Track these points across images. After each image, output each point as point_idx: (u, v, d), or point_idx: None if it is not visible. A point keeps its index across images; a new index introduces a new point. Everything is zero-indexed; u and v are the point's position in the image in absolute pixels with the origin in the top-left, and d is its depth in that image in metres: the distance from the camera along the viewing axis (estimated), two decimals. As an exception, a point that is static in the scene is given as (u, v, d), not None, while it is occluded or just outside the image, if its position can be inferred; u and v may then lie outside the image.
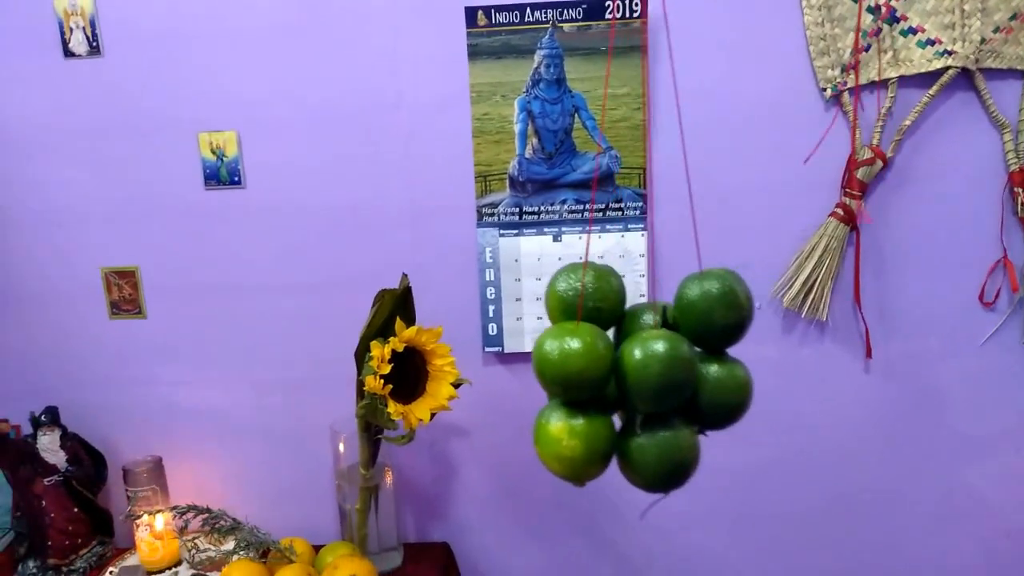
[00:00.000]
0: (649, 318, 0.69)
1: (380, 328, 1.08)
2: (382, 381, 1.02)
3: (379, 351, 1.03)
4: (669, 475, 0.65)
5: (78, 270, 1.27)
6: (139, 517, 1.19)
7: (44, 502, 1.21)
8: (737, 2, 1.14)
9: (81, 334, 1.29)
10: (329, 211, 1.23)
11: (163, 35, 1.18)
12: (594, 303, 0.68)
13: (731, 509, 1.31)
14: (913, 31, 1.12)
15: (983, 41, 1.11)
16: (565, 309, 0.68)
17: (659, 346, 0.62)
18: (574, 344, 0.62)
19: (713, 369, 0.66)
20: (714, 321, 0.66)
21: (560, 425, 0.64)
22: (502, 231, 1.22)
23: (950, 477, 1.28)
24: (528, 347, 1.24)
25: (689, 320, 0.67)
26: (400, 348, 1.04)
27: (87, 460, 1.27)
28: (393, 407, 1.04)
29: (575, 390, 0.63)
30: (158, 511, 1.21)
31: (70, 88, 1.20)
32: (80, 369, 1.30)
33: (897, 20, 1.12)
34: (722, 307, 0.66)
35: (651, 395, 0.62)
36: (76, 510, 1.24)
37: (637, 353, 0.62)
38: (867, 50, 1.13)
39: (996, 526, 1.29)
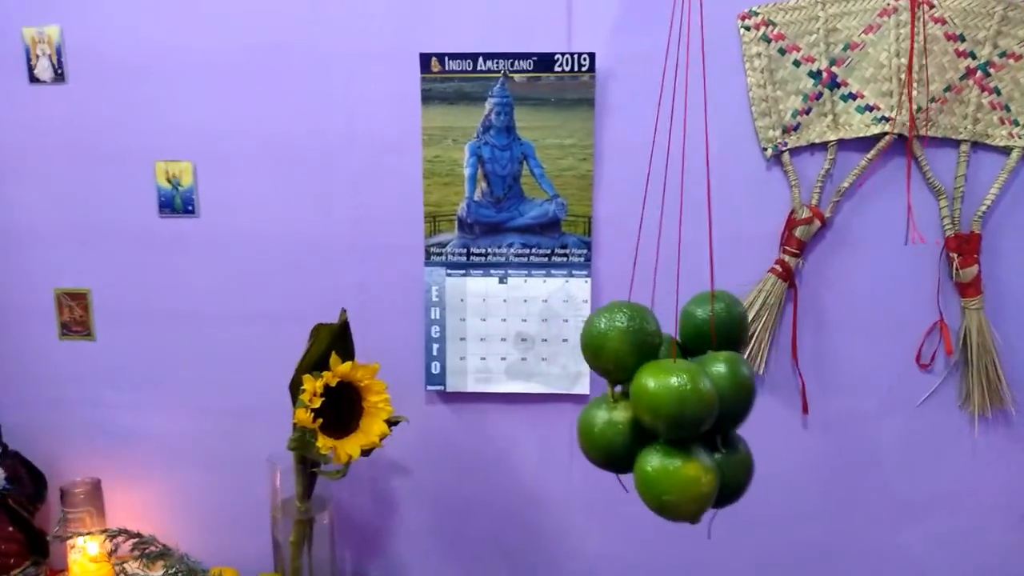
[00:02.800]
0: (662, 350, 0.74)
1: (316, 362, 1.09)
2: (312, 415, 1.03)
3: (311, 385, 1.04)
4: (747, 484, 0.73)
5: (32, 290, 1.29)
6: (68, 538, 1.19)
7: (-22, 520, 1.22)
8: (683, 61, 1.17)
9: (30, 354, 1.30)
10: (280, 244, 1.25)
11: (126, 66, 1.21)
12: (647, 339, 0.71)
13: (667, 558, 1.31)
14: (853, 96, 1.15)
15: (919, 110, 1.14)
16: (637, 350, 0.70)
17: (744, 367, 0.70)
18: (701, 382, 0.65)
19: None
20: (734, 336, 0.77)
21: (696, 465, 0.65)
22: (449, 271, 1.24)
23: (884, 537, 1.28)
24: (471, 387, 1.26)
25: (709, 336, 0.75)
26: (333, 383, 1.05)
27: (27, 479, 1.27)
28: (323, 441, 1.05)
29: (698, 426, 0.66)
30: (89, 533, 1.21)
31: (33, 113, 1.23)
32: (26, 388, 1.31)
33: (838, 85, 1.16)
34: (742, 322, 0.79)
35: (739, 412, 0.70)
36: (11, 529, 1.25)
37: (729, 375, 0.69)
38: (808, 113, 1.16)
39: (930, 588, 1.29)
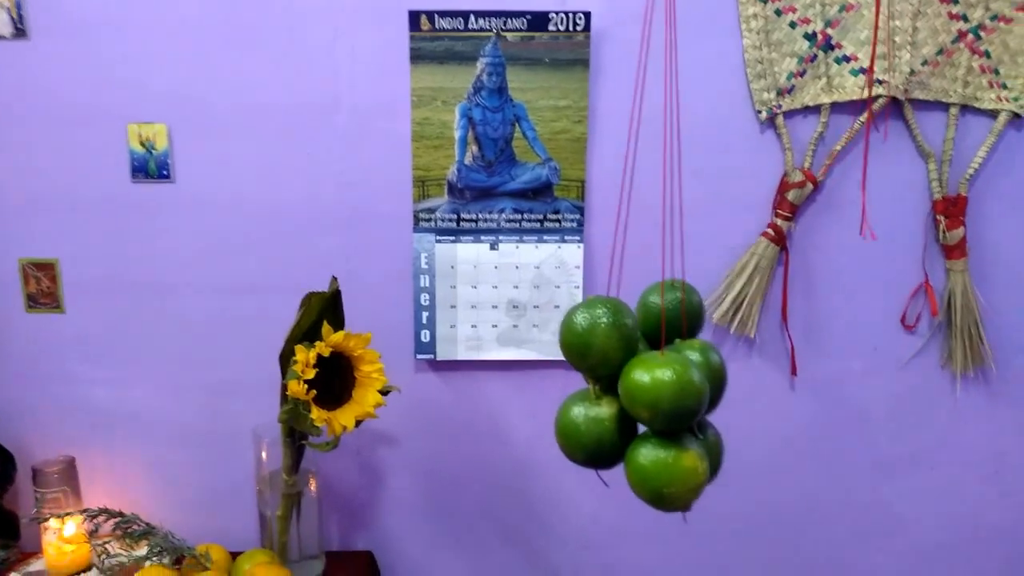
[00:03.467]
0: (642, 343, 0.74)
1: (307, 332, 1.06)
2: (306, 386, 1.00)
3: (304, 355, 1.00)
4: (719, 465, 0.73)
5: (-6, 260, 1.22)
6: (46, 520, 1.14)
7: (-56, 503, 1.15)
8: (679, 22, 1.15)
9: (-6, 327, 1.23)
10: (261, 211, 1.20)
11: (94, 22, 1.14)
12: (631, 333, 0.70)
13: (656, 523, 1.31)
14: (847, 59, 1.15)
15: (912, 73, 1.14)
16: (626, 344, 0.69)
17: (714, 355, 0.72)
18: (693, 377, 0.64)
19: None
20: (692, 324, 0.78)
21: (691, 454, 0.65)
22: (439, 237, 1.21)
23: (871, 493, 1.31)
24: (462, 355, 1.23)
25: (670, 324, 0.75)
26: (326, 353, 1.02)
27: (-6, 459, 1.21)
28: (317, 413, 1.02)
29: (692, 417, 0.65)
30: (67, 514, 1.16)
31: (-9, 71, 1.15)
32: (-9, 364, 1.24)
33: (832, 48, 1.15)
34: (700, 311, 0.78)
35: (715, 400, 0.71)
36: (-21, 511, 1.19)
37: (706, 365, 0.70)
38: (802, 75, 1.16)
39: (914, 540, 1.33)
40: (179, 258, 1.21)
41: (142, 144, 1.17)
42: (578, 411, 0.70)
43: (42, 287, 1.22)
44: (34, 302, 1.23)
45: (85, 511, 1.10)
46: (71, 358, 1.24)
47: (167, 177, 1.19)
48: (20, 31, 1.14)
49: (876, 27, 1.12)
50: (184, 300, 1.23)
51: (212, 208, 1.20)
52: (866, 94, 1.15)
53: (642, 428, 0.69)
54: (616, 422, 0.69)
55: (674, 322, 0.74)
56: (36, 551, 1.24)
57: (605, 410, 0.70)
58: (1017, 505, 1.32)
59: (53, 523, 1.15)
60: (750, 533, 1.32)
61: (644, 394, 0.64)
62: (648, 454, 0.66)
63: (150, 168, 1.18)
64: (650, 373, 0.64)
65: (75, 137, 1.17)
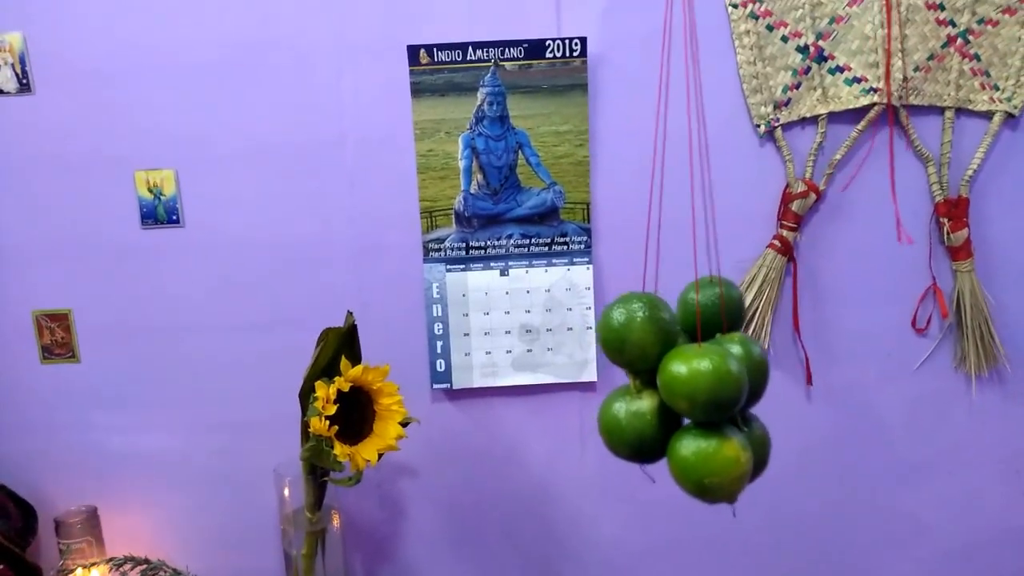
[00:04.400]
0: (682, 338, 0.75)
1: (325, 368, 1.06)
2: (327, 422, 1.00)
3: (324, 391, 1.01)
4: (767, 458, 0.73)
5: (8, 313, 1.22)
6: (72, 571, 1.13)
7: (-33, 559, 1.15)
8: (674, 42, 1.17)
9: (11, 380, 1.23)
10: (272, 249, 1.21)
11: (97, 72, 1.15)
12: (669, 327, 0.71)
13: (682, 543, 1.31)
14: (840, 69, 1.17)
15: (905, 79, 1.16)
16: (664, 338, 0.70)
17: (755, 348, 0.71)
18: (730, 367, 0.65)
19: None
20: (733, 319, 0.77)
21: (734, 444, 0.65)
22: (449, 266, 1.22)
23: (891, 500, 1.31)
24: (477, 382, 1.24)
25: (710, 319, 0.76)
26: (346, 388, 1.02)
27: (15, 513, 1.21)
28: (339, 449, 1.02)
29: (732, 407, 0.66)
30: (93, 564, 1.15)
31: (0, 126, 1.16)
32: (9, 416, 1.24)
33: (825, 59, 1.17)
34: (740, 305, 0.79)
35: (757, 392, 0.71)
36: (2, 567, 1.18)
37: (747, 357, 0.70)
38: (798, 88, 1.17)
39: (935, 548, 1.32)
40: (192, 301, 1.22)
41: (150, 190, 1.19)
42: (619, 406, 0.71)
43: (56, 338, 1.22)
44: (49, 353, 1.23)
45: (111, 560, 1.10)
46: (87, 407, 1.24)
47: (176, 222, 1.20)
48: (24, 86, 1.15)
49: (864, 36, 1.14)
50: (198, 342, 1.23)
51: (222, 249, 1.21)
52: (861, 102, 1.16)
53: (685, 421, 0.70)
54: (657, 415, 0.70)
55: (714, 318, 0.75)
56: (61, 604, 1.23)
57: (646, 404, 0.70)
58: (1041, 503, 1.32)
59: (80, 574, 1.15)
60: (772, 547, 1.32)
61: (682, 385, 0.65)
62: (689, 445, 0.66)
63: (159, 214, 1.19)
64: (687, 364, 0.65)
65: (84, 187, 1.18)
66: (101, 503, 1.23)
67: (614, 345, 0.71)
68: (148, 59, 1.15)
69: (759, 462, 0.71)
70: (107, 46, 1.15)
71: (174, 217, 1.20)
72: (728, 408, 0.65)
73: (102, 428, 1.25)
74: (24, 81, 1.16)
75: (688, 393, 0.65)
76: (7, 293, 1.21)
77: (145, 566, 1.09)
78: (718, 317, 0.75)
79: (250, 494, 1.25)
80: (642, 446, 0.71)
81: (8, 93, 1.16)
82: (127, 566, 1.09)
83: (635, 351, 0.70)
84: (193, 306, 1.22)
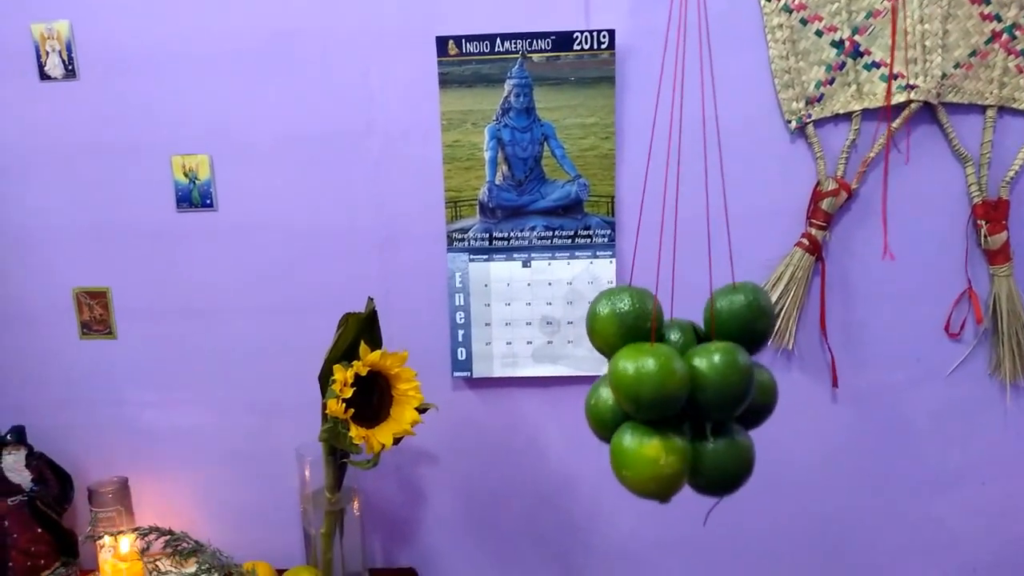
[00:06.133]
0: (675, 335, 0.74)
1: (345, 352, 1.08)
2: (344, 405, 1.03)
3: (342, 375, 1.03)
4: (742, 475, 0.71)
5: (50, 290, 1.27)
6: (100, 538, 1.18)
7: (7, 522, 1.21)
8: (704, 35, 1.16)
9: (51, 354, 1.29)
10: (300, 235, 1.23)
11: (138, 60, 1.19)
12: (637, 323, 0.71)
13: (701, 537, 1.30)
14: (876, 65, 1.14)
15: (944, 76, 1.12)
16: (624, 332, 0.71)
17: (741, 357, 0.67)
18: (668, 365, 0.65)
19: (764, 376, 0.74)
20: (756, 328, 0.73)
21: (655, 444, 0.66)
22: (472, 256, 1.23)
23: (918, 508, 1.28)
24: (497, 372, 1.25)
25: (731, 328, 0.72)
26: (363, 372, 1.04)
27: (53, 480, 1.26)
28: (355, 431, 1.04)
29: (662, 408, 0.66)
30: (120, 532, 1.20)
31: (45, 110, 1.21)
32: (49, 389, 1.30)
33: (861, 55, 1.14)
34: (762, 315, 0.73)
35: (731, 403, 0.67)
36: (40, 531, 1.24)
37: (720, 366, 0.66)
38: (831, 83, 1.15)
39: (964, 559, 1.29)
40: (223, 283, 1.26)
41: (185, 175, 1.22)
42: (593, 391, 0.75)
43: (95, 315, 1.27)
44: (88, 329, 1.28)
45: (137, 529, 1.14)
46: (123, 382, 1.29)
47: (210, 206, 1.23)
48: (70, 71, 1.20)
49: (904, 31, 1.11)
50: (229, 324, 1.27)
51: (253, 234, 1.24)
52: (897, 99, 1.13)
53: None
54: (615, 404, 0.71)
55: (738, 326, 0.73)
56: (93, 569, 1.28)
57: (607, 392, 0.73)
58: (1077, 518, 1.27)
59: (108, 541, 1.20)
60: (794, 548, 1.30)
61: (613, 378, 0.67)
62: (619, 436, 0.69)
63: (194, 197, 1.23)
64: (621, 359, 0.66)
65: (122, 170, 1.23)
66: (132, 475, 1.28)
67: (588, 330, 0.74)
68: (185, 48, 1.19)
69: (727, 477, 0.70)
70: (147, 36, 1.19)
71: (208, 201, 1.23)
72: (651, 408, 0.65)
73: (135, 403, 1.30)
74: (70, 67, 1.20)
75: (615, 386, 0.66)
76: (50, 271, 1.27)
77: (168, 537, 1.13)
78: (742, 325, 0.73)
79: (273, 473, 1.29)
80: (603, 431, 0.73)
81: (55, 79, 1.21)
82: (152, 536, 1.13)
83: (600, 340, 0.72)
84: (224, 288, 1.26)
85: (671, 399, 0.65)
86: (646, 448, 0.66)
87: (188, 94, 1.20)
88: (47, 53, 1.19)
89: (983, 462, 1.25)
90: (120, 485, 1.25)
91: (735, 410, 0.69)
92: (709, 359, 0.67)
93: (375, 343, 1.11)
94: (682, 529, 1.30)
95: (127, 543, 1.22)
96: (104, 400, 1.30)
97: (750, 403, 0.69)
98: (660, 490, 0.67)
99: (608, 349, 0.72)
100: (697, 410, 0.68)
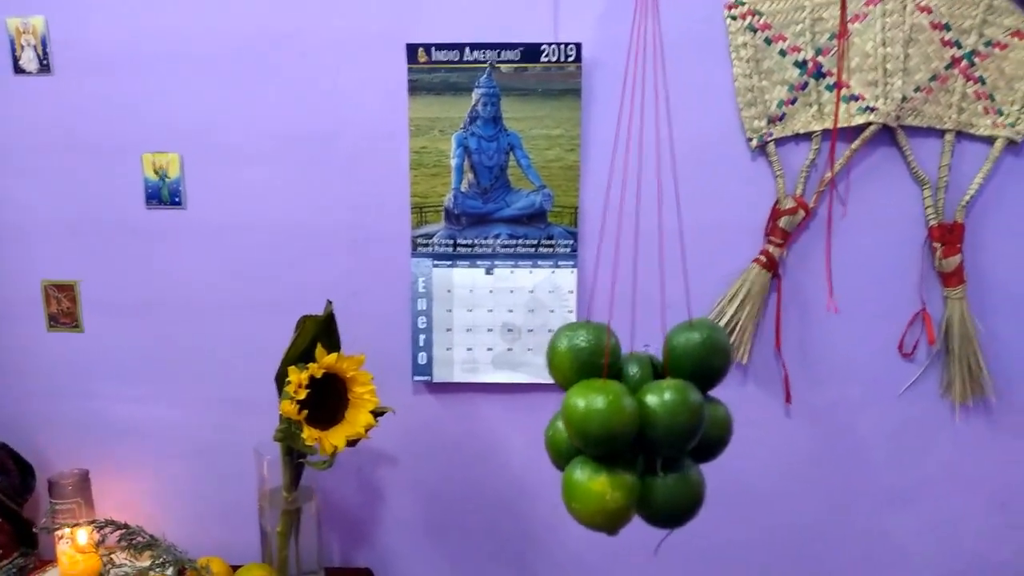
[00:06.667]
0: (633, 369, 0.75)
1: (302, 353, 1.10)
2: (297, 406, 1.04)
3: (296, 376, 1.04)
4: (691, 509, 0.73)
5: (19, 281, 1.28)
6: (56, 529, 1.19)
7: (-34, 511, 1.22)
8: (670, 51, 1.17)
9: (18, 345, 1.30)
10: (267, 236, 1.25)
11: (112, 57, 1.21)
12: (593, 359, 0.72)
13: (651, 544, 1.31)
14: (838, 87, 1.16)
15: (904, 99, 1.14)
16: (579, 367, 0.72)
17: (691, 395, 0.68)
18: (616, 403, 0.66)
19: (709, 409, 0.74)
20: (712, 365, 0.73)
21: (602, 480, 0.67)
22: (436, 262, 1.24)
23: (869, 524, 1.30)
24: (458, 377, 1.26)
25: (685, 365, 0.73)
26: (319, 374, 1.06)
27: (14, 471, 1.27)
28: (308, 432, 1.05)
29: (610, 445, 0.67)
30: (75, 525, 1.21)
31: (19, 104, 1.22)
32: (15, 380, 1.31)
33: (823, 75, 1.16)
34: (719, 352, 0.73)
35: (681, 439, 0.69)
36: (0, 521, 1.25)
37: (670, 403, 0.67)
38: (793, 103, 1.17)
39: (914, 574, 1.30)
40: (190, 281, 1.27)
41: (156, 172, 1.24)
42: (552, 424, 0.76)
43: (62, 307, 1.29)
44: (55, 321, 1.29)
45: (93, 522, 1.15)
46: (88, 375, 1.30)
47: (179, 204, 1.25)
48: (44, 66, 1.21)
49: (865, 54, 1.13)
50: (194, 321, 1.28)
51: (221, 233, 1.25)
52: (856, 121, 1.15)
53: None
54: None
55: (694, 362, 0.73)
56: (52, 559, 1.29)
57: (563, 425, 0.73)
58: (1027, 538, 1.29)
59: (66, 532, 1.21)
60: (746, 561, 1.31)
61: (564, 413, 0.69)
62: (571, 470, 0.70)
63: (163, 195, 1.24)
64: (572, 396, 0.68)
65: (94, 166, 1.24)
66: (95, 468, 1.29)
67: (548, 365, 0.76)
68: (159, 47, 1.20)
69: (677, 510, 0.72)
70: (122, 34, 1.20)
71: (177, 199, 1.24)
72: (598, 444, 0.67)
73: (100, 396, 1.31)
74: (45, 63, 1.22)
75: (565, 421, 0.68)
76: (20, 262, 1.28)
77: (123, 530, 1.14)
78: (699, 362, 0.73)
79: (233, 470, 1.30)
80: (558, 462, 0.74)
81: (29, 73, 1.22)
82: (107, 529, 1.14)
83: (556, 377, 0.74)
84: (191, 286, 1.27)
85: (618, 436, 0.66)
86: (594, 483, 0.67)
87: (160, 93, 1.22)
88: (22, 48, 1.21)
89: (933, 480, 1.27)
90: (80, 477, 1.26)
91: (685, 446, 0.70)
92: (660, 396, 0.68)
93: (333, 346, 1.13)
94: (637, 539, 1.30)
95: (85, 535, 1.23)
96: (69, 392, 1.31)
97: (703, 437, 0.71)
98: (606, 524, 0.68)
99: (565, 384, 0.73)
100: (648, 445, 0.70)
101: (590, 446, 0.68)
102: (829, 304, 1.20)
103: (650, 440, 0.69)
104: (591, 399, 0.66)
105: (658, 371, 0.76)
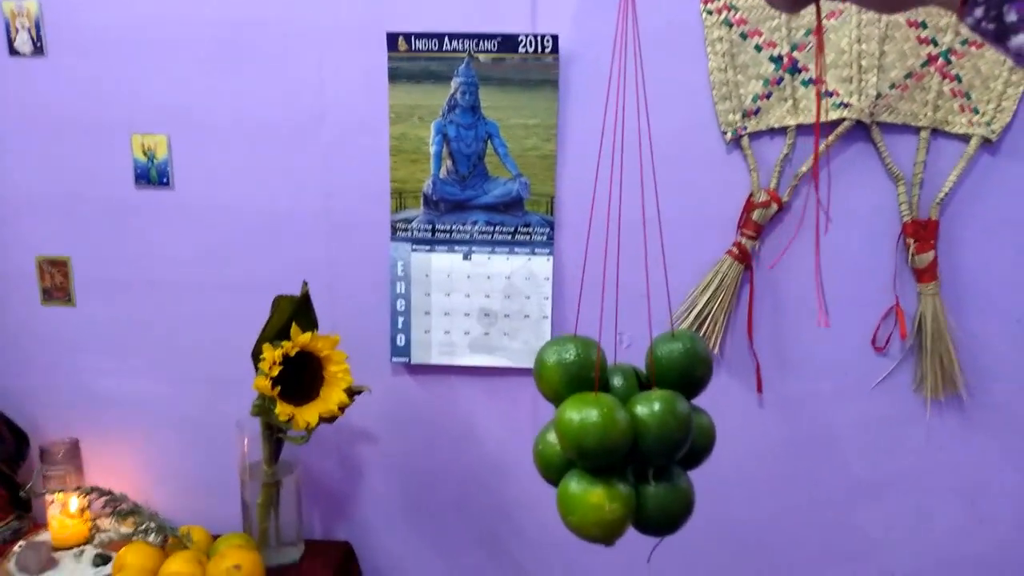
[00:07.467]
0: (619, 380, 0.76)
1: (278, 332, 1.13)
2: (271, 383, 1.08)
3: (270, 354, 1.08)
4: (683, 516, 0.74)
5: (15, 256, 1.33)
6: (42, 494, 1.24)
7: (-37, 476, 1.28)
8: (646, 44, 1.18)
9: (14, 318, 1.35)
10: (251, 217, 1.28)
11: (103, 41, 1.24)
12: (581, 372, 0.73)
13: (628, 533, 1.35)
14: (813, 82, 1.16)
15: (879, 96, 1.15)
16: (569, 380, 0.73)
17: (679, 405, 0.70)
18: (611, 415, 0.67)
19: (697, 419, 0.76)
20: (695, 374, 0.75)
21: (600, 492, 0.68)
22: (415, 246, 1.27)
23: (840, 515, 1.31)
24: (435, 359, 1.29)
25: (669, 376, 0.74)
26: (292, 352, 1.09)
27: (9, 438, 1.33)
28: (280, 408, 1.09)
29: (606, 457, 0.68)
30: (61, 491, 1.26)
31: (13, 85, 1.26)
32: (10, 351, 1.36)
33: (799, 71, 1.17)
34: (700, 362, 0.75)
35: (671, 449, 0.70)
36: (-6, 485, 1.31)
37: (660, 414, 0.69)
38: (768, 97, 1.17)
39: (883, 566, 1.32)
40: (177, 259, 1.31)
41: (144, 153, 1.27)
42: (541, 435, 0.76)
43: (56, 282, 1.33)
44: (48, 296, 1.34)
45: (79, 488, 1.21)
46: (79, 348, 1.35)
47: (167, 184, 1.28)
48: (38, 48, 1.25)
49: (840, 50, 1.13)
50: (181, 298, 1.32)
51: (207, 214, 1.29)
52: (831, 116, 1.16)
53: None
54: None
55: (677, 373, 0.75)
56: (45, 523, 1.35)
57: (554, 437, 0.74)
58: (995, 533, 1.30)
59: (57, 498, 1.26)
60: (714, 551, 1.34)
61: (558, 428, 0.69)
62: (567, 482, 0.70)
63: (151, 175, 1.28)
64: (566, 410, 0.68)
65: (86, 146, 1.28)
66: (85, 437, 1.34)
67: (536, 378, 0.76)
68: (150, 31, 1.23)
69: (669, 519, 0.73)
70: (113, 18, 1.23)
71: (164, 180, 1.28)
72: (595, 457, 0.68)
73: (91, 369, 1.35)
74: (39, 45, 1.25)
75: (560, 435, 0.69)
76: (15, 238, 1.32)
77: (108, 497, 1.19)
78: (682, 372, 0.75)
79: (218, 443, 1.34)
80: (549, 474, 0.75)
81: (24, 55, 1.26)
82: (93, 495, 1.19)
83: (545, 391, 0.75)
84: (178, 263, 1.31)
85: (614, 448, 0.68)
86: (591, 495, 0.68)
87: (150, 76, 1.25)
88: (17, 30, 1.24)
89: (903, 474, 1.28)
90: (71, 446, 1.31)
91: (675, 455, 0.72)
92: (650, 407, 0.69)
93: (309, 325, 1.16)
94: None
95: (76, 502, 1.28)
96: (61, 365, 1.36)
97: (690, 446, 0.72)
98: (604, 535, 0.69)
99: (555, 397, 0.74)
100: (639, 455, 0.71)
101: (586, 459, 0.68)
102: (820, 319, 1.21)
103: (641, 450, 0.70)
104: (585, 412, 0.67)
105: (642, 382, 0.77)
